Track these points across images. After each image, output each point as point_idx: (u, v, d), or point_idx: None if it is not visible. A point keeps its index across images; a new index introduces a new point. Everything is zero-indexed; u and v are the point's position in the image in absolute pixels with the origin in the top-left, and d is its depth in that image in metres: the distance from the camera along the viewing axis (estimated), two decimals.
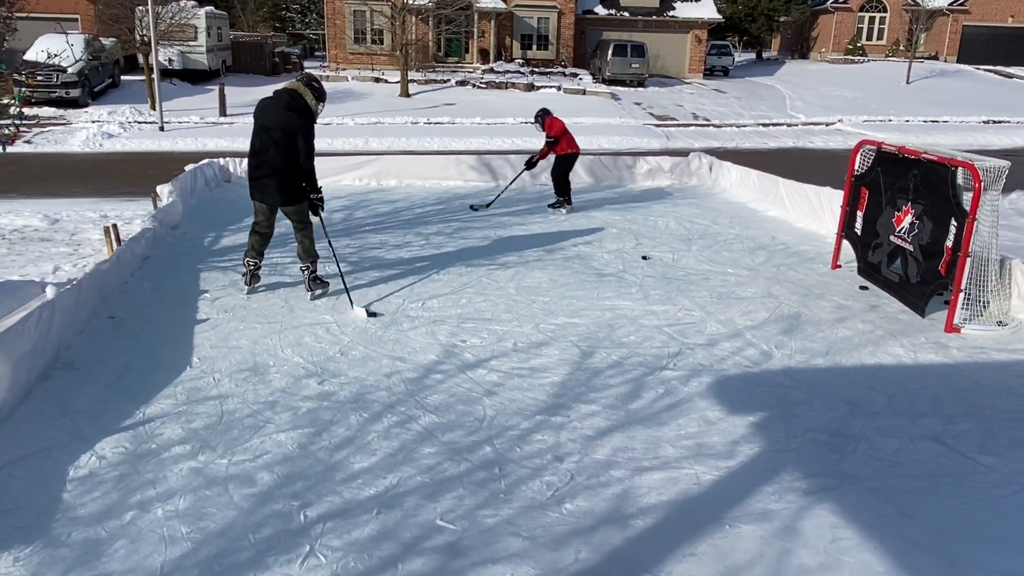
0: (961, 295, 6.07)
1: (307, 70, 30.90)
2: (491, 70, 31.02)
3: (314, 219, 6.62)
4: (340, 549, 3.43)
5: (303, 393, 4.93)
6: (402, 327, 6.08)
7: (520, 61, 32.68)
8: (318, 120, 6.46)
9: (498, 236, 9.03)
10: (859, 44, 40.93)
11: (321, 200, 6.58)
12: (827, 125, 25.36)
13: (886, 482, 4.07)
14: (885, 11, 41.52)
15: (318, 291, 6.72)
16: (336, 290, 6.82)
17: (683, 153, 13.62)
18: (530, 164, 11.01)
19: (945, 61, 40.04)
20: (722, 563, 3.42)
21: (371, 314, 6.27)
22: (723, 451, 4.36)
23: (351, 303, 6.42)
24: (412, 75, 27.94)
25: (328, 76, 29.56)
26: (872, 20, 41.89)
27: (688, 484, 4.03)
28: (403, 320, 6.23)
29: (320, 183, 6.61)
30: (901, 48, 39.23)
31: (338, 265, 6.90)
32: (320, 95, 6.40)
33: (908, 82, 32.14)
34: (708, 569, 3.38)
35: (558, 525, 3.66)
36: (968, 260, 6.00)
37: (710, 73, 37.35)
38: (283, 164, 6.24)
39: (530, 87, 28.87)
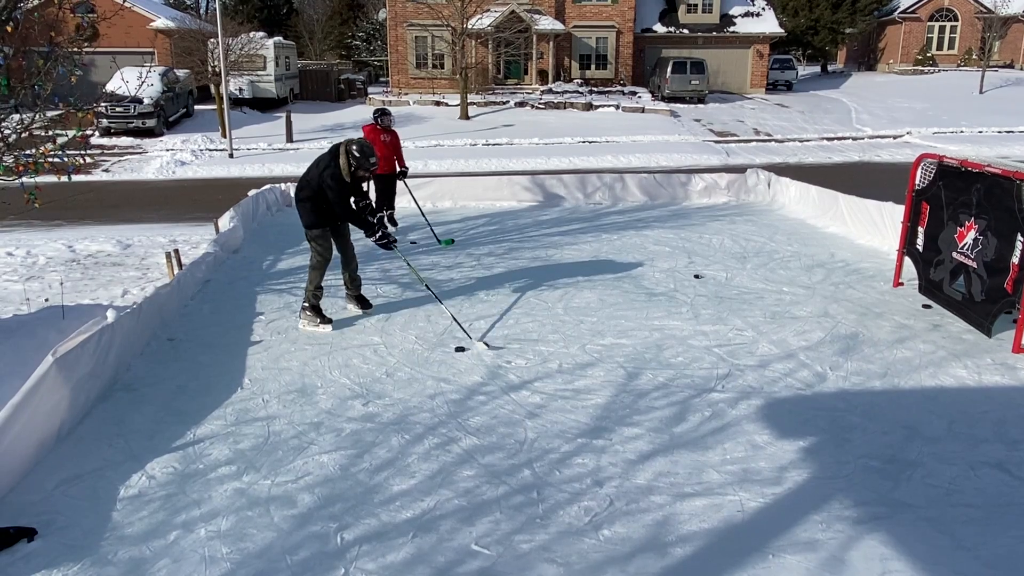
0: None
1: (371, 96, 31.64)
2: (550, 91, 31.18)
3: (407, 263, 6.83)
4: (374, 572, 3.45)
5: (348, 414, 5.00)
6: (448, 348, 6.11)
7: (579, 81, 32.77)
8: (365, 170, 6.42)
9: (549, 256, 9.02)
10: (929, 54, 39.64)
11: (384, 239, 6.60)
12: (895, 138, 24.60)
13: (942, 512, 3.87)
14: (956, 20, 40.16)
15: (302, 320, 6.68)
16: (385, 312, 6.92)
17: (743, 169, 13.39)
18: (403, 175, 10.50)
19: (1021, 70, 38.44)
20: None
21: (489, 346, 6.13)
22: (770, 477, 4.23)
23: (469, 336, 6.31)
24: (472, 98, 28.32)
25: (391, 101, 30.20)
26: (942, 29, 40.56)
27: (731, 511, 3.91)
28: (450, 341, 6.26)
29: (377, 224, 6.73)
30: (974, 57, 37.86)
31: (440, 301, 6.87)
32: (358, 160, 6.35)
33: (981, 92, 30.97)
34: None
35: (594, 552, 3.60)
36: None
37: (773, 88, 36.73)
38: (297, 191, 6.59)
39: (588, 106, 28.90)
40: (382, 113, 10.23)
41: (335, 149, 6.45)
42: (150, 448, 4.54)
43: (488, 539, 3.68)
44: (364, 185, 6.83)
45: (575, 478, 4.21)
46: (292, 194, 11.10)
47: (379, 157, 10.14)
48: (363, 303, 7.07)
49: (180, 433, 4.73)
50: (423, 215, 10.54)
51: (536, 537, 3.70)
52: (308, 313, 6.65)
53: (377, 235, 6.58)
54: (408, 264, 7.19)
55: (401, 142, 10.50)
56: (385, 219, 10.23)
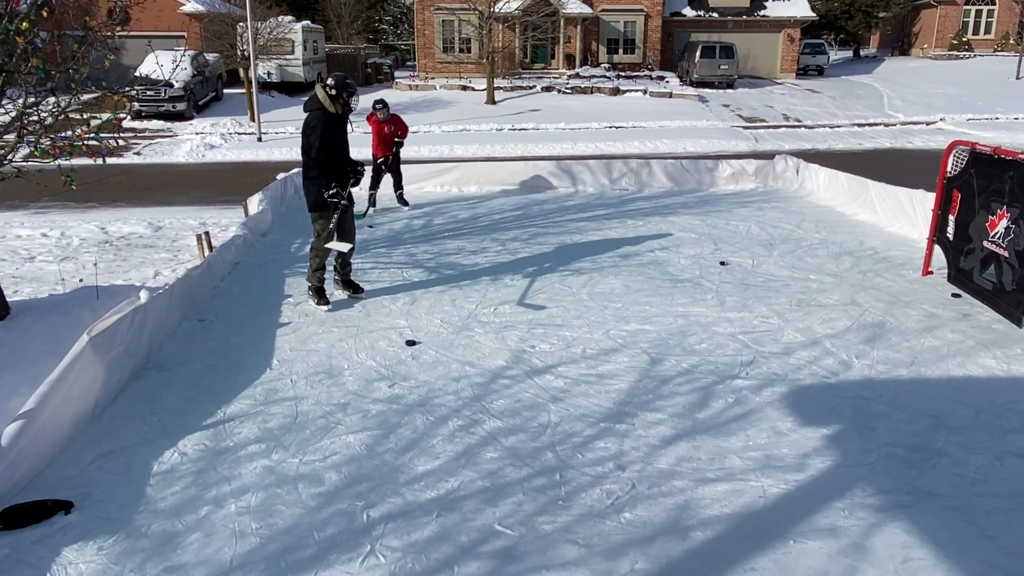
0: None
1: (397, 81, 31.69)
2: (576, 75, 31.01)
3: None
4: (399, 550, 3.52)
5: (374, 396, 5.07)
6: (473, 332, 6.16)
7: (606, 65, 32.54)
8: (354, 108, 6.54)
9: (574, 242, 9.03)
10: (964, 39, 38.80)
11: (334, 196, 6.43)
12: (927, 124, 24.18)
13: (967, 501, 3.86)
14: (993, 3, 39.24)
15: (312, 301, 6.75)
16: (410, 295, 6.99)
17: (772, 155, 13.26)
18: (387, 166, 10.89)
19: None
20: None
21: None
22: (792, 464, 4.23)
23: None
24: (498, 82, 28.25)
25: (417, 85, 30.24)
26: (979, 13, 39.65)
27: (753, 497, 3.93)
28: (475, 325, 6.31)
29: (364, 182, 6.80)
30: (1011, 42, 36.99)
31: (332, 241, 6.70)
32: (338, 89, 6.39)
33: (1018, 77, 30.29)
34: None
35: (615, 534, 3.64)
36: None
37: (804, 73, 36.20)
38: (304, 170, 6.55)
39: (615, 91, 28.71)
40: (381, 104, 10.64)
41: (309, 103, 6.49)
42: (182, 426, 4.65)
43: (511, 519, 3.74)
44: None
45: (597, 461, 4.25)
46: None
47: (378, 142, 10.66)
48: (353, 288, 7.04)
49: (211, 411, 4.83)
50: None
51: (558, 519, 3.75)
52: (310, 293, 6.78)
53: (331, 191, 6.41)
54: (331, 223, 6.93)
55: (407, 125, 11.01)
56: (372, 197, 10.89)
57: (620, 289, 7.21)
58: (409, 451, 4.37)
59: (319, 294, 6.74)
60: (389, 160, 10.79)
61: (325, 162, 6.40)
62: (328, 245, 6.59)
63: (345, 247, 6.67)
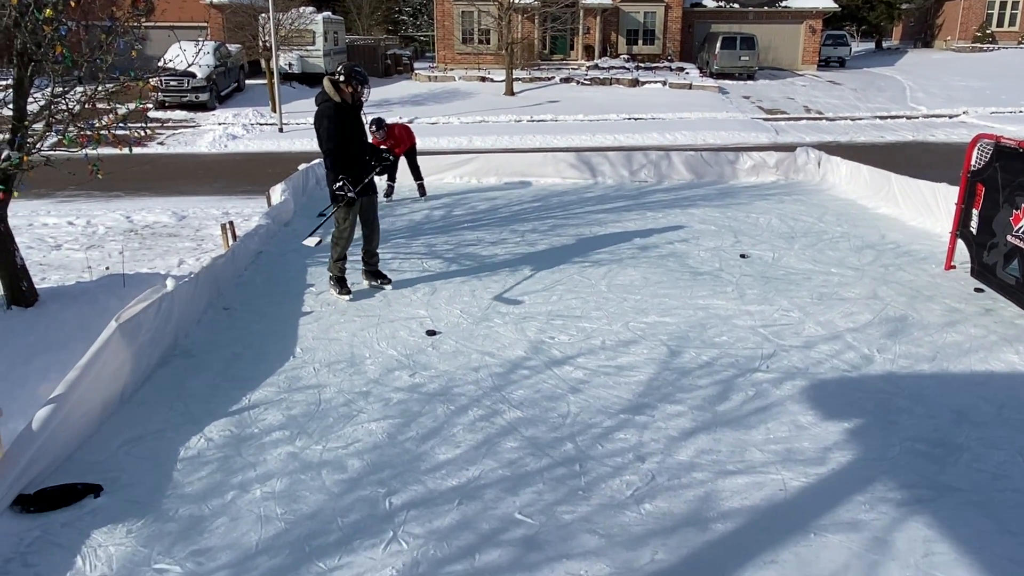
0: None
1: (416, 72, 31.70)
2: (596, 66, 30.89)
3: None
4: (421, 536, 3.56)
5: (395, 384, 5.12)
6: (492, 323, 6.19)
7: (625, 57, 32.37)
8: (366, 97, 6.52)
9: (593, 233, 9.03)
10: (989, 31, 38.20)
11: (342, 189, 6.42)
12: (950, 117, 23.89)
13: (988, 496, 3.85)
14: None
15: (334, 290, 6.83)
16: (430, 285, 7.03)
17: (792, 148, 13.17)
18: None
19: None
20: (804, 572, 3.34)
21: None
22: (813, 457, 4.24)
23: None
24: (517, 73, 28.20)
25: (437, 76, 30.25)
26: (1003, 5, 38.98)
27: (774, 490, 3.94)
28: (494, 316, 6.35)
29: (377, 172, 6.76)
30: None
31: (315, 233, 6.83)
32: (347, 78, 6.38)
33: None
34: None
35: (636, 525, 3.66)
36: None
37: (825, 64, 35.83)
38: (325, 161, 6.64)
39: (635, 83, 28.58)
40: (376, 127, 10.38)
41: (319, 96, 6.49)
42: (208, 412, 4.72)
43: (531, 508, 3.78)
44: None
45: (617, 452, 4.28)
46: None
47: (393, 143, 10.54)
48: (381, 278, 7.07)
49: (236, 398, 4.90)
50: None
51: (578, 508, 3.78)
52: (331, 282, 6.87)
53: (338, 183, 6.42)
54: (324, 217, 7.06)
55: (412, 135, 11.14)
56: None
57: (639, 281, 7.22)
58: (430, 440, 4.41)
59: (340, 283, 6.80)
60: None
61: (336, 154, 6.43)
62: (304, 242, 6.72)
63: (313, 242, 6.72)
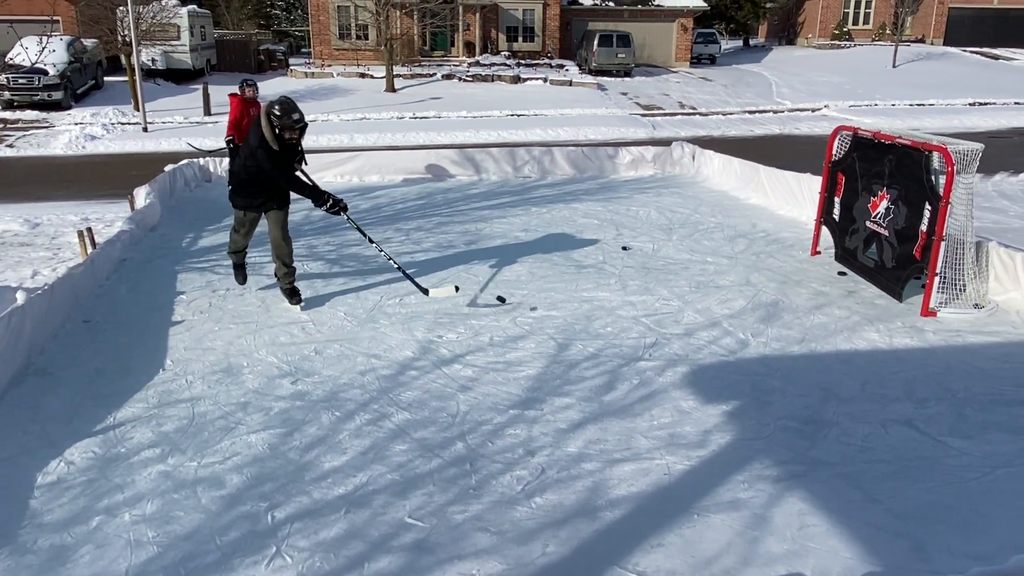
0: (936, 279, 6.08)
1: (292, 68, 30.78)
2: (477, 63, 30.90)
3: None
4: (307, 549, 3.42)
5: (276, 393, 4.91)
6: (379, 324, 6.06)
7: (506, 53, 32.55)
8: (291, 129, 5.98)
9: (478, 230, 9.01)
10: (845, 29, 40.82)
11: (335, 206, 6.24)
12: (813, 111, 25.34)
13: (856, 468, 4.08)
14: None
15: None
16: (312, 287, 6.81)
17: (668, 142, 13.59)
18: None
19: (931, 44, 40.00)
20: (689, 553, 3.42)
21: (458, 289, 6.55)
22: (695, 441, 4.36)
23: (421, 288, 6.49)
24: (398, 70, 27.82)
25: (313, 73, 29.45)
26: (858, 4, 41.76)
27: (659, 475, 4.03)
28: (380, 317, 6.21)
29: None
30: (887, 32, 39.17)
31: (391, 260, 6.70)
32: (280, 119, 5.92)
33: (894, 66, 32.13)
34: (675, 560, 3.38)
35: (527, 520, 3.65)
36: (943, 244, 6.00)
37: (697, 61, 37.25)
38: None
39: (516, 79, 28.79)
40: (252, 82, 10.07)
41: (258, 119, 6.18)
42: (68, 433, 4.38)
43: (422, 511, 3.70)
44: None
45: (507, 449, 4.26)
46: (224, 171, 10.92)
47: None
48: (293, 295, 6.55)
49: (100, 417, 4.57)
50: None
51: (470, 508, 3.73)
52: (284, 294, 6.48)
53: (328, 203, 6.19)
54: (356, 226, 6.82)
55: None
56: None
57: (526, 276, 7.25)
58: (315, 448, 4.26)
59: (292, 294, 6.43)
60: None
61: (287, 176, 6.16)
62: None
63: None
